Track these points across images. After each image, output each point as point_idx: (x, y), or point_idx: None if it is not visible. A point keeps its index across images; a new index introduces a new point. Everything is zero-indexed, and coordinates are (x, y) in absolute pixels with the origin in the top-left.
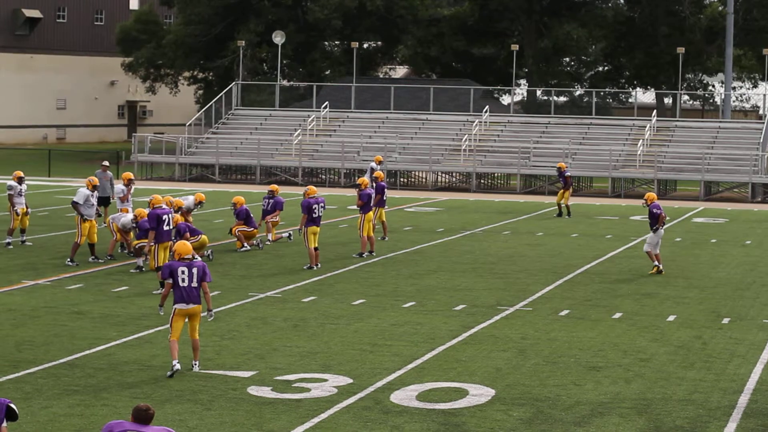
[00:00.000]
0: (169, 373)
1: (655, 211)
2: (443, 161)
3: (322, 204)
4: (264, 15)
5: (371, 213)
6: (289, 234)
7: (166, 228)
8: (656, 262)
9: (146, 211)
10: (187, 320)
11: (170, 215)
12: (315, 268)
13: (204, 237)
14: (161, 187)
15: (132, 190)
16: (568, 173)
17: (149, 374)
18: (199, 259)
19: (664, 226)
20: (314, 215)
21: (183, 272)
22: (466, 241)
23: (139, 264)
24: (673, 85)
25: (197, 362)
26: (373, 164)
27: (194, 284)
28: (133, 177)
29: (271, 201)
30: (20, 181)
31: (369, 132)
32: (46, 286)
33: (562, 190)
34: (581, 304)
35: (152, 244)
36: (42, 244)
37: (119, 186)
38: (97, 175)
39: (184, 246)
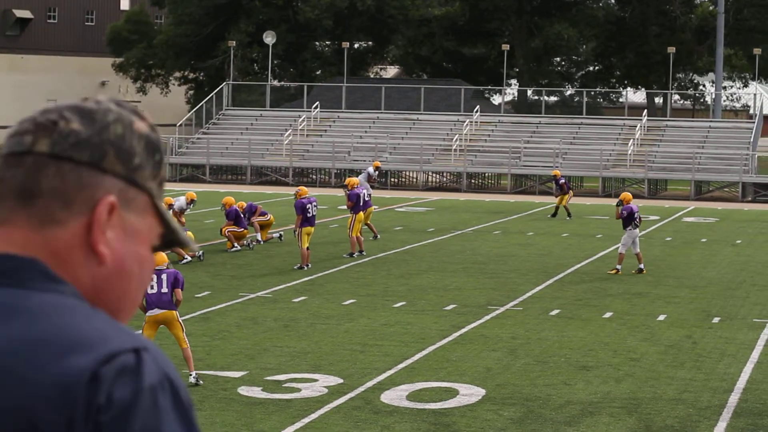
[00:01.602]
0: None
1: (622, 213)
2: (434, 161)
3: (314, 203)
4: (255, 15)
5: (362, 213)
6: (280, 234)
7: None
8: (619, 265)
9: None
10: (166, 328)
11: None
12: (305, 268)
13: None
14: None
15: None
16: (563, 180)
17: None
18: (172, 267)
19: (637, 227)
20: (308, 215)
21: (151, 279)
22: (456, 240)
23: None
24: (663, 84)
25: (193, 373)
26: (370, 169)
27: (164, 290)
28: None
29: (245, 211)
30: None
31: (360, 132)
32: None
33: (561, 195)
34: (572, 304)
35: None
36: None
37: None
38: None
39: (156, 256)
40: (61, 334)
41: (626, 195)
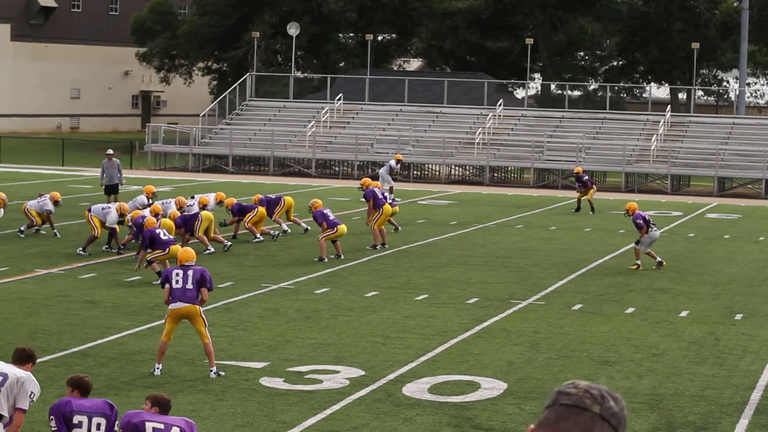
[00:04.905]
0: (151, 370)
1: (638, 222)
2: (457, 154)
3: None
4: (278, 6)
5: (389, 206)
6: (306, 228)
7: (164, 238)
8: (639, 260)
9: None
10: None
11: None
12: (326, 260)
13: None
14: (174, 178)
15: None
16: (586, 177)
17: (162, 364)
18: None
19: (655, 228)
20: (330, 218)
21: (177, 275)
22: (479, 234)
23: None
24: (687, 80)
25: (213, 368)
26: (392, 162)
27: (189, 286)
28: (155, 191)
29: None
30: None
31: (383, 124)
32: (59, 275)
33: (584, 190)
34: (594, 299)
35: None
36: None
37: (141, 197)
38: (104, 165)
39: (185, 253)
40: None
41: (631, 204)
